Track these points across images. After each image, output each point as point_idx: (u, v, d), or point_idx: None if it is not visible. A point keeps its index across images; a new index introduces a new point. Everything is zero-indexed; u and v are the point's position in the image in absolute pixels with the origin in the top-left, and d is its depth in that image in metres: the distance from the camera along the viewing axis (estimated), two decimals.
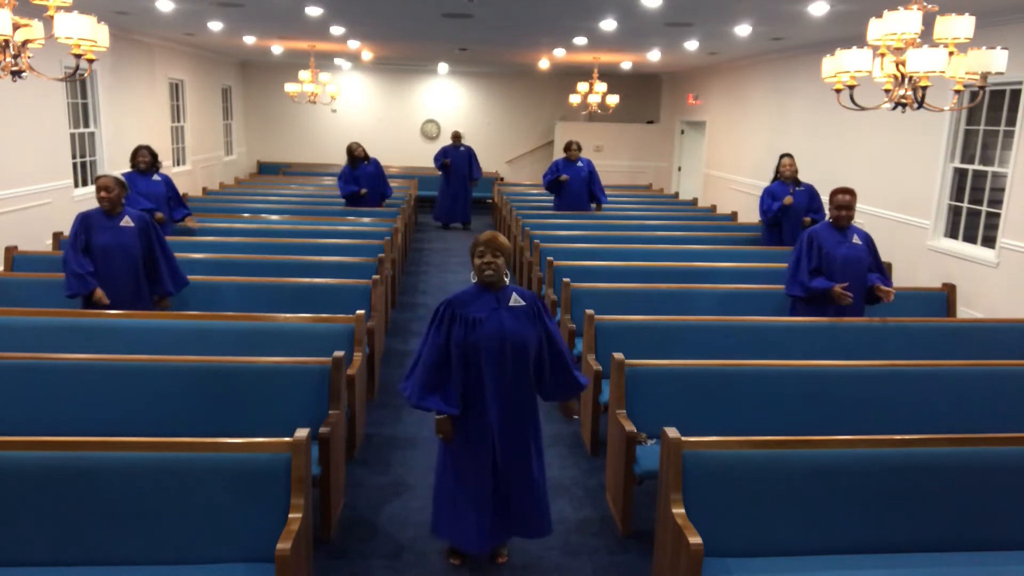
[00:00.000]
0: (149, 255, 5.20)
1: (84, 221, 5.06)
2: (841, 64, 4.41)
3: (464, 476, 3.48)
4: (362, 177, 10.17)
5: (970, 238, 7.20)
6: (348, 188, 10.16)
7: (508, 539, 3.66)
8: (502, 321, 3.34)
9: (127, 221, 5.07)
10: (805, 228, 7.46)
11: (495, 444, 3.43)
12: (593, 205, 10.18)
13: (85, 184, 9.54)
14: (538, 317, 3.42)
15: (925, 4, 4.07)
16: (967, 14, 3.92)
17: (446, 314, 3.36)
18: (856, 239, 5.17)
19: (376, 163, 10.39)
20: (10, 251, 6.44)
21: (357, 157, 10.14)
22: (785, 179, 7.72)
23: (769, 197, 7.81)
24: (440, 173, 12.83)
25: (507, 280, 3.42)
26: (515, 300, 3.39)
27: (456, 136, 12.94)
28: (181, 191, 7.82)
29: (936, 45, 3.98)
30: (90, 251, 5.03)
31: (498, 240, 3.35)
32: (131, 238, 5.08)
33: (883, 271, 5.26)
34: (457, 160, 12.65)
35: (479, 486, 3.46)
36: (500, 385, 3.37)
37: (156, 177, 7.30)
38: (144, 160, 7.25)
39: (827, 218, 5.31)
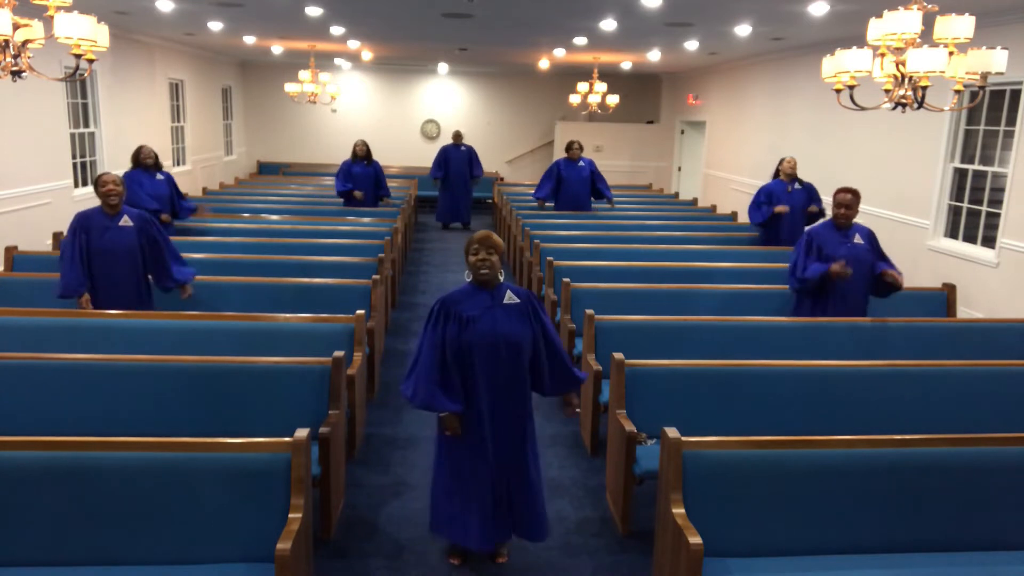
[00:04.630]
0: (152, 252, 5.11)
1: (83, 222, 4.95)
2: (841, 64, 4.41)
3: (462, 474, 3.48)
4: (357, 176, 10.18)
5: (970, 238, 7.20)
6: (343, 185, 10.21)
7: (509, 538, 3.66)
8: (496, 320, 3.35)
9: (126, 221, 5.00)
10: (810, 216, 7.64)
11: (490, 442, 3.44)
12: (604, 203, 10.19)
13: (85, 184, 9.54)
14: (533, 315, 3.43)
15: (925, 4, 4.07)
16: (967, 14, 3.93)
17: (441, 312, 3.37)
18: (858, 238, 5.18)
19: (376, 166, 10.35)
20: (10, 251, 6.44)
21: (356, 155, 10.19)
22: (784, 178, 7.82)
23: (764, 196, 7.91)
24: (438, 180, 12.79)
25: (501, 278, 3.43)
26: (509, 298, 3.41)
27: (457, 136, 12.92)
28: (181, 191, 7.82)
29: (936, 45, 3.98)
30: (89, 253, 4.93)
31: (493, 238, 3.36)
32: (131, 238, 5.01)
33: (890, 263, 5.22)
34: (457, 160, 12.64)
35: (477, 484, 3.46)
36: (494, 383, 3.38)
37: (159, 176, 7.34)
38: (150, 157, 7.29)
39: (829, 215, 5.33)
